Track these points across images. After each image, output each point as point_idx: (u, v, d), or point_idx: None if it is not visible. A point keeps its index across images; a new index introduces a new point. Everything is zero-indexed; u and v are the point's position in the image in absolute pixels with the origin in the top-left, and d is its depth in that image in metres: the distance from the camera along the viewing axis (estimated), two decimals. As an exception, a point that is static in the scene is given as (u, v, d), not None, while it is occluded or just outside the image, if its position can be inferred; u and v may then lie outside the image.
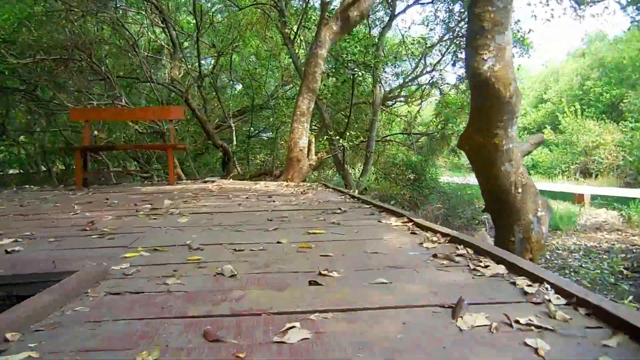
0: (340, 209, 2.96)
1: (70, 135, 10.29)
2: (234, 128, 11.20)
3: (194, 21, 11.12)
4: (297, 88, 12.91)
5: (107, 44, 9.14)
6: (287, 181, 6.06)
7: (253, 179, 11.90)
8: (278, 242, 1.98)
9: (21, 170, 16.25)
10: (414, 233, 2.13)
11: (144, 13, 10.40)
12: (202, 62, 12.26)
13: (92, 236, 2.18)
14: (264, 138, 13.77)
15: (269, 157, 12.44)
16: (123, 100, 8.23)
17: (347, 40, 6.69)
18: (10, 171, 17.19)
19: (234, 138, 11.24)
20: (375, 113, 8.75)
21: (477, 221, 10.54)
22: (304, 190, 4.30)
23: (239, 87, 14.18)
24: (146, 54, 10.54)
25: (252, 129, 12.15)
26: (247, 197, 3.85)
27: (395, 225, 2.35)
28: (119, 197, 4.11)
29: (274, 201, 3.51)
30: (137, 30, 10.46)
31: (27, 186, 6.11)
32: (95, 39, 8.45)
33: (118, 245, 1.95)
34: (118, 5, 9.88)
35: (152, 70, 9.63)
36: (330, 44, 6.16)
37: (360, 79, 6.72)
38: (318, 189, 4.64)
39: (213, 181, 5.76)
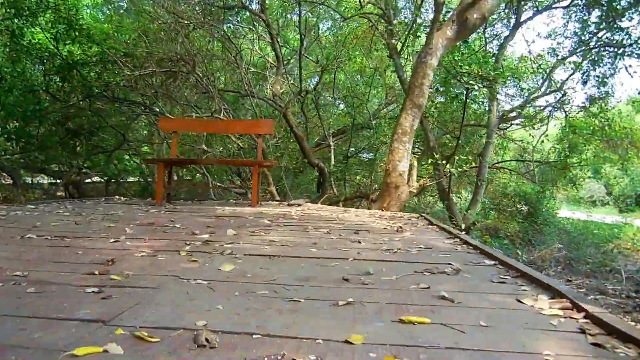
0: (451, 265, 2.02)
1: (185, 147, 10.40)
2: (332, 147, 10.57)
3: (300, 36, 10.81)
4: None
5: (213, 57, 9.04)
6: (382, 209, 5.17)
7: (347, 202, 11.16)
8: (347, 342, 1.13)
9: (140, 179, 17.19)
10: (598, 345, 1.15)
11: (252, 28, 10.26)
12: (307, 81, 11.90)
13: (88, 288, 1.50)
14: (363, 159, 13.01)
15: (366, 180, 11.62)
16: (222, 114, 7.97)
17: (460, 50, 5.69)
18: (130, 179, 18.30)
19: (332, 158, 10.59)
20: (490, 135, 7.52)
21: (608, 268, 8.73)
22: (400, 227, 3.39)
23: (342, 106, 13.64)
24: (251, 69, 10.35)
25: (351, 149, 11.44)
26: (328, 232, 3.04)
27: (551, 314, 1.38)
28: (186, 219, 3.53)
29: (359, 242, 2.65)
30: (244, 44, 10.32)
31: (116, 197, 5.91)
32: (200, 51, 8.34)
33: (96, 319, 1.22)
34: (230, 20, 9.84)
35: (254, 85, 9.36)
36: (443, 53, 5.22)
37: (476, 93, 5.69)
38: (419, 224, 3.69)
39: (299, 205, 5.06)
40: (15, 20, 8.91)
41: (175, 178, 12.86)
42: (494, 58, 6.70)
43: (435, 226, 3.58)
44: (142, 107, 10.09)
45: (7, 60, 9.49)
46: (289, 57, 11.78)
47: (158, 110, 8.92)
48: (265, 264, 1.99)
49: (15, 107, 8.30)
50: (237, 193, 9.99)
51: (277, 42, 9.37)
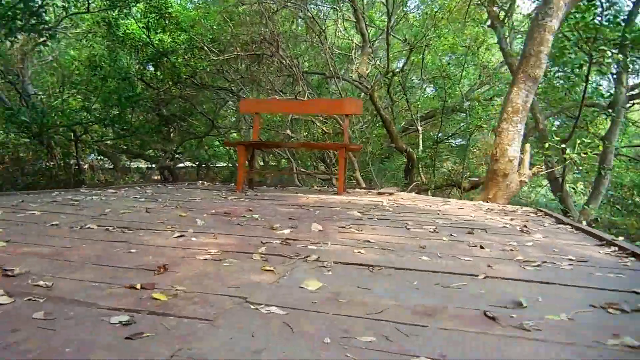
0: (634, 295, 1.32)
1: (271, 133, 10.16)
2: (421, 132, 9.73)
3: (386, 16, 10.05)
4: (495, 89, 10.83)
5: (297, 38, 8.61)
6: (486, 201, 4.39)
7: (437, 191, 10.30)
8: None
9: (229, 164, 17.51)
10: None
11: (336, 8, 9.66)
12: (394, 62, 11.11)
13: (116, 316, 1.02)
14: (452, 145, 12.00)
15: (457, 166, 10.64)
16: (306, 97, 7.51)
17: (589, 9, 4.62)
18: (220, 164, 18.74)
19: (420, 143, 9.76)
20: (618, 114, 6.25)
21: None
22: (525, 227, 2.65)
23: (429, 89, 12.67)
24: (336, 50, 9.79)
25: (440, 134, 10.50)
26: (434, 230, 2.41)
27: None
28: (266, 209, 3.06)
29: (480, 247, 1.99)
30: (328, 25, 9.76)
31: (199, 182, 5.67)
32: (284, 33, 7.93)
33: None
34: (314, 0, 9.35)
35: (339, 67, 8.80)
36: (565, 13, 4.26)
37: (606, 62, 4.60)
38: (545, 223, 2.92)
39: (391, 193, 4.44)
40: (111, 12, 9.08)
41: (261, 164, 12.78)
42: (626, 18, 5.49)
43: (568, 226, 2.79)
44: (229, 93, 9.95)
45: (105, 50, 9.75)
46: (374, 39, 11.05)
47: (244, 96, 8.70)
48: (363, 280, 1.41)
49: (112, 95, 8.45)
50: (322, 179, 9.54)
51: (363, 18, 8.71)
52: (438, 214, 3.16)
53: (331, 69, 8.16)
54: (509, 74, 11.32)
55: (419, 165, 9.17)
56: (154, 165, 15.22)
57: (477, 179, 9.81)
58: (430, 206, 3.62)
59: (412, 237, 2.17)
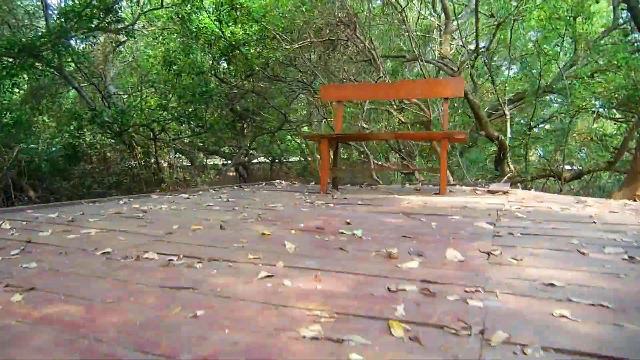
0: None
1: (347, 126, 9.50)
2: (508, 117, 8.54)
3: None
4: (595, 64, 9.33)
5: (374, 18, 7.83)
6: (633, 200, 3.41)
7: (532, 183, 9.11)
8: None
9: (301, 159, 17.18)
10: None
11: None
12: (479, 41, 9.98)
13: None
14: (545, 130, 10.62)
15: (552, 155, 9.32)
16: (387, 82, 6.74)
17: None
18: (292, 158, 18.47)
19: (509, 129, 8.58)
20: None
21: None
22: None
23: (514, 69, 11.32)
24: (415, 32, 8.87)
25: (533, 119, 9.22)
26: (626, 256, 1.59)
27: None
28: (367, 220, 2.38)
29: None
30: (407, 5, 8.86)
31: (277, 182, 5.13)
32: (360, 13, 7.19)
33: None
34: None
35: (420, 49, 7.90)
36: None
37: None
38: None
39: (505, 192, 3.59)
40: (184, 7, 8.82)
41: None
42: None
43: None
44: (301, 85, 9.38)
45: (179, 45, 9.53)
46: (457, 16, 9.96)
47: (316, 87, 8.09)
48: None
49: (186, 91, 8.19)
50: (404, 174, 8.74)
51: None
52: (594, 222, 2.31)
53: (414, 50, 7.30)
54: (614, 45, 9.77)
55: (508, 155, 8.09)
56: (229, 162, 15.18)
57: (579, 168, 8.53)
58: (569, 209, 2.76)
59: (610, 273, 1.38)
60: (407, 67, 10.38)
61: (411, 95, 4.01)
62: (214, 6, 8.99)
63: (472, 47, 8.61)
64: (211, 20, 9.10)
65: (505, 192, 3.52)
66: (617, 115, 9.18)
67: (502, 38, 9.26)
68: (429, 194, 3.56)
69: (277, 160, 18.01)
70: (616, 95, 8.15)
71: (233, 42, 8.67)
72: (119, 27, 7.16)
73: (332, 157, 4.11)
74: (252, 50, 8.39)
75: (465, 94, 7.54)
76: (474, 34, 9.45)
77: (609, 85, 8.09)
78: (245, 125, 14.67)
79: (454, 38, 8.60)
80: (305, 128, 13.06)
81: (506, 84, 9.58)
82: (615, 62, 8.61)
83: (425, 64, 7.47)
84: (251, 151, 16.52)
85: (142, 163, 8.78)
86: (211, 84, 8.56)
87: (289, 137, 17.51)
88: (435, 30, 8.70)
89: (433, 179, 8.24)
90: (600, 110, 8.19)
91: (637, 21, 4.73)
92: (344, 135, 3.79)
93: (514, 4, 8.54)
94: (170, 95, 8.68)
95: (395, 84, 4.13)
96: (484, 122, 7.51)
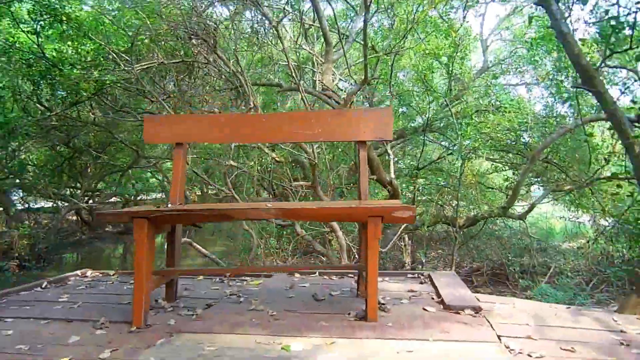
0: None
1: (208, 163, 7.50)
2: (392, 157, 7.35)
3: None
4: (472, 104, 8.97)
5: (241, 36, 6.26)
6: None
7: (430, 230, 8.21)
8: None
9: (164, 195, 14.84)
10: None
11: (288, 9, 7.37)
12: (356, 74, 9.00)
13: None
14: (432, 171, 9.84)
15: (442, 203, 8.47)
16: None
17: None
18: (153, 195, 15.92)
19: (392, 169, 7.39)
20: None
21: None
22: None
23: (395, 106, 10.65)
24: (292, 59, 7.48)
25: (420, 158, 8.32)
26: None
27: None
28: None
29: None
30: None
31: (77, 274, 3.08)
32: (221, 24, 5.56)
33: None
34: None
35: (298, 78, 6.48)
36: None
37: None
38: None
39: (476, 310, 2.12)
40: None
41: (198, 193, 10.08)
42: None
43: None
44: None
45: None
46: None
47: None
48: None
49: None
50: (281, 225, 7.14)
51: (323, 16, 6.51)
52: None
53: (292, 78, 5.85)
54: (487, 82, 9.60)
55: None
56: (64, 205, 12.11)
57: (473, 215, 7.86)
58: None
59: None
60: (279, 102, 9.00)
61: (303, 137, 2.40)
62: (29, 15, 6.58)
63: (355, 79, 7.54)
64: (26, 33, 6.67)
65: (476, 311, 2.05)
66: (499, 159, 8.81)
67: (382, 73, 8.37)
68: (343, 320, 1.95)
69: (131, 202, 15.23)
70: (502, 137, 7.68)
71: (56, 62, 6.39)
72: None
73: (169, 246, 2.30)
74: (76, 71, 6.15)
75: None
76: (358, 64, 8.43)
77: (495, 127, 7.59)
78: (88, 163, 11.91)
79: (336, 68, 7.42)
80: (168, 164, 10.82)
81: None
82: (498, 103, 8.25)
83: (305, 94, 6.05)
84: (96, 192, 13.63)
85: None
86: (12, 112, 6.07)
87: (149, 173, 14.92)
88: (313, 62, 7.42)
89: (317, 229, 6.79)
90: (488, 151, 7.59)
91: (572, 54, 3.85)
92: (184, 211, 2.01)
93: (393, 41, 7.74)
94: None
95: (276, 116, 2.49)
96: (375, 165, 6.28)
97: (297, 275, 2.89)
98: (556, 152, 7.35)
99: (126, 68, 5.82)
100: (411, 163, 9.24)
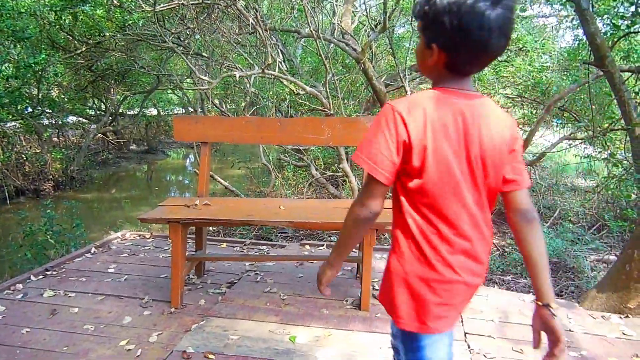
0: None
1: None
2: (409, 92, 7.39)
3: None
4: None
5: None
6: (621, 312, 2.55)
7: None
8: None
9: (183, 109, 15.29)
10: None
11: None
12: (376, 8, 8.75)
13: None
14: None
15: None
16: (277, 69, 5.28)
17: None
18: (176, 110, 16.28)
19: None
20: None
21: None
22: None
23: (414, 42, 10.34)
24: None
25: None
26: None
27: None
28: None
29: None
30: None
31: (117, 236, 3.57)
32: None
33: None
34: None
35: (314, 20, 6.42)
36: None
37: None
38: None
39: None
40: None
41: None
42: None
43: None
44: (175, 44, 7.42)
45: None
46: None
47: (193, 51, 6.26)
48: None
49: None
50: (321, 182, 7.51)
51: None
52: None
53: (309, 24, 5.85)
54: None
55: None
56: (93, 127, 12.65)
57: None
58: None
59: None
60: (300, 44, 8.84)
61: (314, 142, 2.67)
62: None
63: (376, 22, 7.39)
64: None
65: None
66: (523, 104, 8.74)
67: (405, 7, 8.14)
68: (341, 307, 2.38)
69: (151, 123, 15.70)
70: (522, 82, 7.62)
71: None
72: None
73: (196, 238, 2.72)
74: (99, 12, 6.21)
75: (370, 80, 6.34)
76: (378, 6, 8.19)
77: (515, 72, 7.51)
78: (113, 84, 12.16)
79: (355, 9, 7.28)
80: (188, 81, 11.04)
81: (407, 57, 8.54)
82: (520, 45, 8.02)
83: (323, 42, 6.08)
84: (119, 112, 14.01)
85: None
86: (43, 53, 6.27)
87: (168, 93, 15.15)
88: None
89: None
90: (506, 99, 7.61)
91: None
92: (210, 219, 2.37)
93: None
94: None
95: (291, 121, 2.72)
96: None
97: (307, 247, 3.32)
98: (573, 101, 7.33)
99: (147, 8, 5.87)
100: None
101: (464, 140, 0.96)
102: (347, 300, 2.49)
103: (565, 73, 7.82)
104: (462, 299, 1.04)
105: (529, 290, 3.35)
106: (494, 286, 3.38)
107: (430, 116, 0.95)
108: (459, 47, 0.93)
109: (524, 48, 7.82)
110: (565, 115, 7.71)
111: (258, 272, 2.87)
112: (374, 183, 0.98)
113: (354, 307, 2.41)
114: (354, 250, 3.29)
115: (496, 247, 5.34)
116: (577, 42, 7.98)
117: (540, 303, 1.04)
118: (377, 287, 2.66)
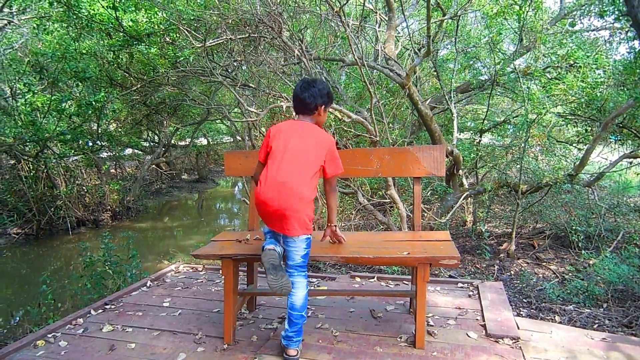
0: None
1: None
2: (455, 115, 7.08)
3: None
4: (544, 59, 8.40)
5: (304, 12, 6.30)
6: None
7: (492, 195, 8.09)
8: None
9: (231, 140, 15.69)
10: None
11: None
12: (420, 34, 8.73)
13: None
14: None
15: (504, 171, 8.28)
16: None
17: None
18: (225, 139, 16.76)
19: (456, 130, 7.17)
20: None
21: None
22: None
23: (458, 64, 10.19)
24: (351, 22, 7.38)
25: (486, 116, 8.07)
26: None
27: None
28: None
29: None
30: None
31: (170, 270, 3.64)
32: (287, 7, 5.65)
33: None
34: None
35: (358, 47, 6.46)
36: None
37: None
38: None
39: (515, 339, 2.38)
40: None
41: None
42: None
43: None
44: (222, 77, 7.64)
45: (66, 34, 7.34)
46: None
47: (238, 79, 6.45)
48: None
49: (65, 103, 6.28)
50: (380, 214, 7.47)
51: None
52: None
53: (353, 51, 5.90)
54: (560, 33, 8.87)
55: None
56: (148, 158, 13.19)
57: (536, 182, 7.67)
58: None
59: None
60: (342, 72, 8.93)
61: (363, 173, 2.64)
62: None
63: (419, 46, 7.38)
64: (104, 6, 7.06)
65: (514, 341, 2.31)
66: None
67: (448, 29, 8.06)
68: (395, 345, 2.29)
69: (201, 153, 16.19)
70: (575, 100, 7.29)
71: (133, 34, 6.78)
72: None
73: (248, 268, 2.72)
74: (153, 50, 6.56)
75: (416, 105, 6.27)
76: (421, 30, 8.18)
77: (567, 89, 7.20)
78: (165, 117, 12.73)
79: (399, 35, 7.29)
80: (236, 111, 11.40)
81: (452, 80, 8.37)
82: (571, 61, 7.72)
83: (367, 69, 6.09)
84: (172, 144, 14.64)
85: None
86: (102, 92, 6.67)
87: (217, 122, 15.66)
88: (375, 25, 7.29)
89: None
90: (558, 117, 7.29)
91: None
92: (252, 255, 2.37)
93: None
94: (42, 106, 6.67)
95: (339, 153, 2.72)
96: (437, 137, 6.34)
97: (357, 279, 3.25)
98: (633, 117, 6.93)
99: (197, 44, 6.13)
100: (474, 124, 9.05)
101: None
102: (400, 337, 2.39)
103: (622, 88, 7.42)
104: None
105: (594, 321, 3.10)
106: (554, 317, 3.16)
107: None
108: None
109: (575, 64, 7.52)
110: (624, 132, 7.31)
111: (309, 306, 2.83)
112: None
113: (409, 345, 2.31)
114: (406, 283, 3.19)
115: (555, 273, 5.04)
116: (632, 54, 7.58)
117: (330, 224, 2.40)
118: (432, 322, 2.55)
